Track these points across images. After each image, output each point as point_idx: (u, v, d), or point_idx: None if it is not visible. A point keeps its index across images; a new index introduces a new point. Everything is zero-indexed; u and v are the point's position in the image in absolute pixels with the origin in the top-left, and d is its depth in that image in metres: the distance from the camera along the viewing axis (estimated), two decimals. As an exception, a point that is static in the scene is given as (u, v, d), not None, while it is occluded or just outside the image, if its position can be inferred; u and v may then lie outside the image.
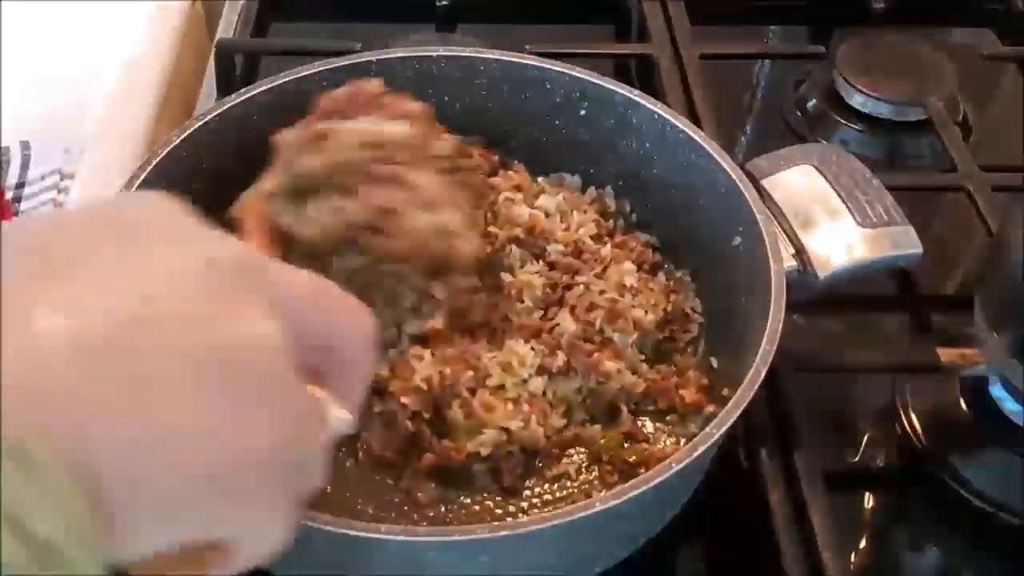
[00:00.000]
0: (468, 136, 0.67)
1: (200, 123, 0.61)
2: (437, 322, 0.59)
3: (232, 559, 0.29)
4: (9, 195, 0.76)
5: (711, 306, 0.64)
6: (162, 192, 0.31)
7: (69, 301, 0.25)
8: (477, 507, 0.55)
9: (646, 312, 0.61)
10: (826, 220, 0.59)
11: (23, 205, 0.76)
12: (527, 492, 0.56)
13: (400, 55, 0.67)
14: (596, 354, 0.58)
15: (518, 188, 0.67)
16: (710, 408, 0.58)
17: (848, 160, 0.62)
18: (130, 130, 0.78)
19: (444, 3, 0.93)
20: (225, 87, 0.82)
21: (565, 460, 0.57)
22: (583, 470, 0.57)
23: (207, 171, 0.60)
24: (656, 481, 0.45)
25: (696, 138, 0.62)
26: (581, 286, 0.62)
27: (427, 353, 0.58)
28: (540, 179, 0.69)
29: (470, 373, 0.57)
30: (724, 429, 0.47)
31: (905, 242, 0.59)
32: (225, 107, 0.62)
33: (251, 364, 0.27)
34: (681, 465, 0.45)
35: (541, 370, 0.58)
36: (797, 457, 0.57)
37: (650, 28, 0.90)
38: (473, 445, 0.55)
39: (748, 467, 0.58)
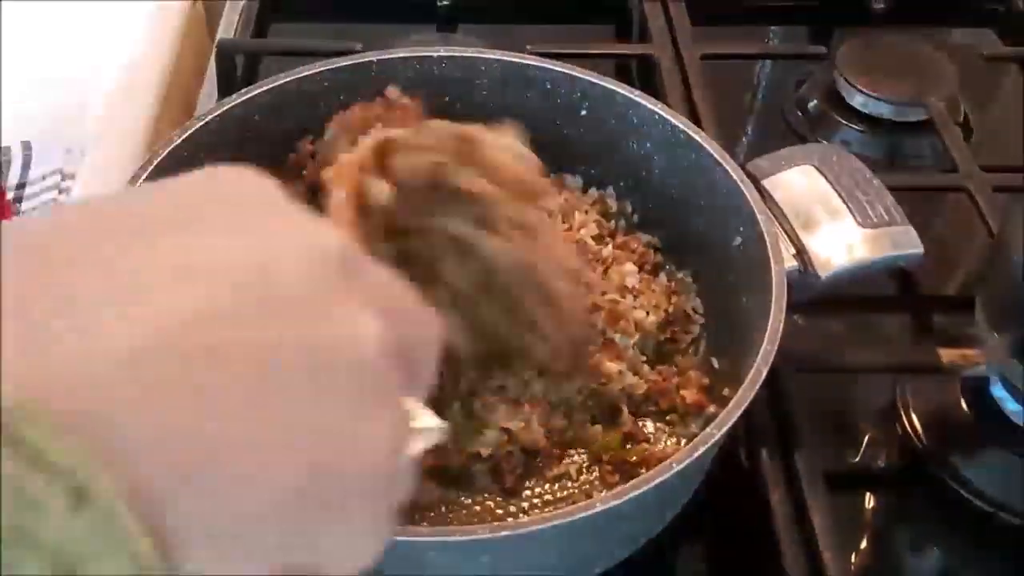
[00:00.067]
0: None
1: (201, 123, 0.60)
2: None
3: None
4: (10, 195, 0.76)
5: (712, 306, 0.64)
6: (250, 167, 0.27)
7: (126, 298, 0.21)
8: (478, 507, 0.55)
9: (648, 313, 0.61)
10: (827, 220, 0.59)
11: (24, 205, 0.76)
12: (527, 492, 0.56)
13: (401, 55, 0.67)
14: (597, 355, 0.58)
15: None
16: (711, 408, 0.58)
17: (849, 160, 0.62)
18: (131, 130, 0.78)
19: (445, 3, 0.93)
20: (226, 87, 0.82)
21: (566, 460, 0.57)
22: (584, 470, 0.57)
23: (208, 171, 0.60)
24: (657, 481, 0.44)
25: (697, 138, 0.62)
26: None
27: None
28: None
29: (471, 374, 0.56)
30: (725, 429, 0.47)
31: (906, 242, 0.59)
32: (226, 107, 0.62)
33: (359, 366, 0.24)
34: (682, 465, 0.45)
35: (542, 371, 0.58)
36: (798, 457, 0.57)
37: (651, 28, 0.90)
38: (474, 445, 0.55)
39: (749, 467, 0.58)
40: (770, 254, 0.55)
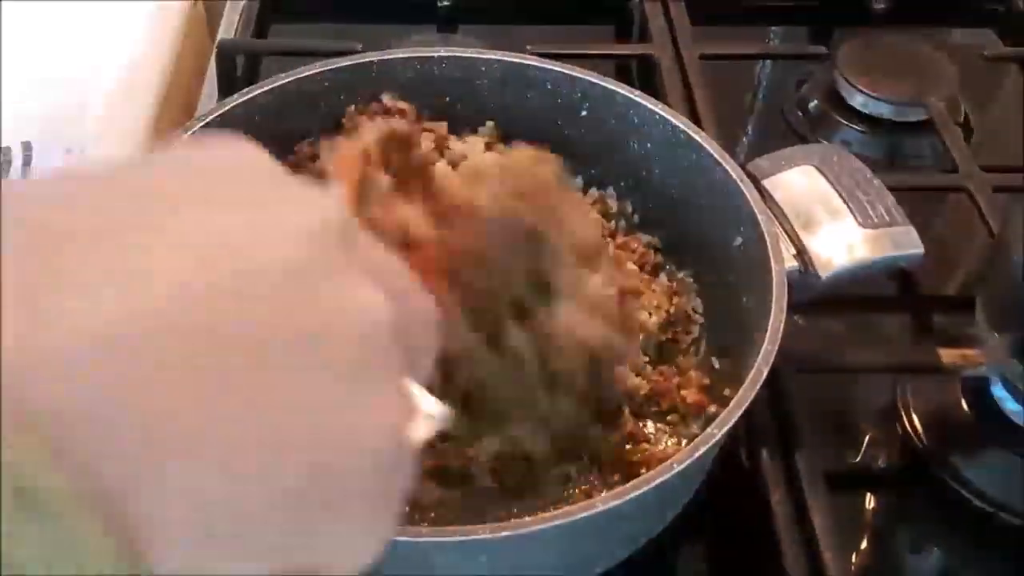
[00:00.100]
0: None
1: (201, 124, 0.60)
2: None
3: None
4: (10, 195, 0.76)
5: (712, 307, 0.64)
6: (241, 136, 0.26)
7: (124, 277, 0.20)
8: (479, 507, 0.55)
9: (650, 314, 0.61)
10: (827, 220, 0.59)
11: (24, 205, 0.76)
12: (528, 493, 0.56)
13: (401, 56, 0.67)
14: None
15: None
16: (712, 408, 0.58)
17: (849, 160, 0.62)
18: (131, 130, 0.78)
19: (445, 4, 0.93)
20: (226, 88, 0.82)
21: (566, 461, 0.57)
22: (584, 471, 0.57)
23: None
24: (658, 481, 0.44)
25: (697, 138, 0.62)
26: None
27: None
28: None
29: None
30: (726, 429, 0.47)
31: (906, 242, 0.59)
32: (226, 108, 0.62)
33: (363, 339, 0.23)
34: (683, 465, 0.45)
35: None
36: (798, 457, 0.57)
37: (651, 29, 0.90)
38: (475, 451, 0.55)
39: (749, 467, 0.58)
40: (770, 254, 0.55)
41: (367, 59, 0.66)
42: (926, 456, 0.61)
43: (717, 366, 0.61)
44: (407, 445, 0.25)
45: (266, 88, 0.63)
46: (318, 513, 0.22)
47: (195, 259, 0.21)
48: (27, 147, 0.79)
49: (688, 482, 0.54)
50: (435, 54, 0.67)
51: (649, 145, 0.65)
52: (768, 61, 0.95)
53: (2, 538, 0.17)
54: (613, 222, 0.68)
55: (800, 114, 0.87)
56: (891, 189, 0.61)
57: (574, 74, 0.66)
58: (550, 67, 0.67)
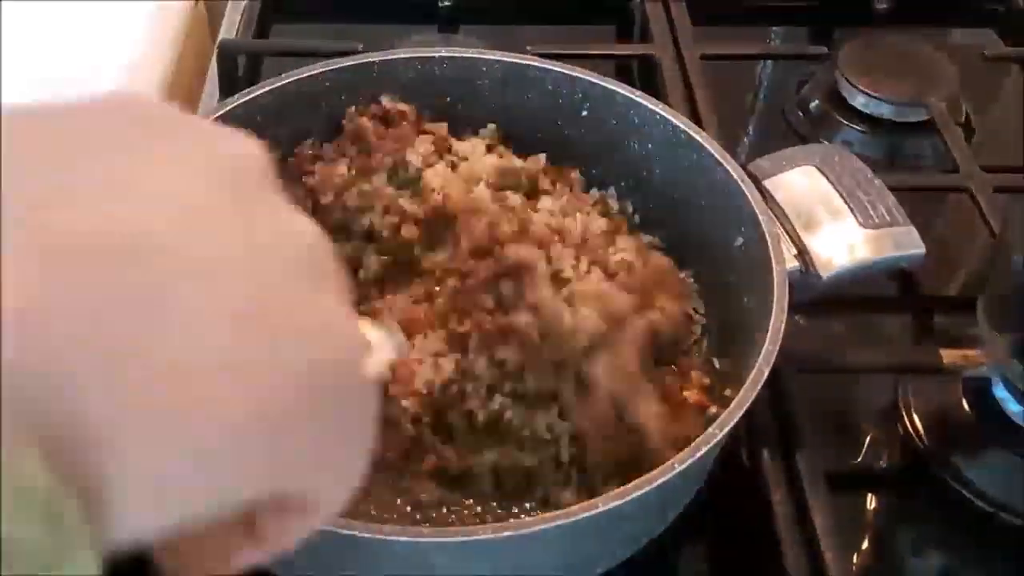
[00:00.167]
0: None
1: (202, 124, 0.60)
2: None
3: (301, 520, 0.25)
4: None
5: (713, 307, 0.63)
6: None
7: (65, 209, 0.20)
8: (480, 507, 0.55)
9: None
10: (828, 221, 0.59)
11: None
12: (529, 493, 0.56)
13: (402, 56, 0.67)
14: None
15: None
16: (713, 409, 0.58)
17: (850, 161, 0.62)
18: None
19: (446, 4, 0.93)
20: (227, 88, 0.82)
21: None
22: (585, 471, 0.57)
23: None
24: (659, 482, 0.44)
25: (698, 139, 0.62)
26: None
27: (428, 357, 0.57)
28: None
29: (470, 385, 0.56)
30: (727, 430, 0.47)
31: (907, 243, 0.59)
32: (227, 108, 0.62)
33: (311, 253, 0.24)
34: (684, 466, 0.45)
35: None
36: (799, 458, 0.57)
37: (652, 29, 0.90)
38: (475, 459, 0.55)
39: (750, 467, 0.58)
40: (771, 254, 0.55)
41: (368, 59, 0.66)
42: (927, 456, 0.61)
43: (718, 366, 0.61)
44: (362, 373, 0.25)
45: (267, 88, 0.63)
46: (295, 424, 0.22)
47: (131, 199, 0.21)
48: (28, 147, 0.79)
49: (689, 482, 0.54)
50: (436, 54, 0.67)
51: (650, 145, 0.65)
52: (769, 61, 0.95)
53: None
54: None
55: (801, 114, 0.87)
56: (892, 189, 0.61)
57: (575, 74, 0.66)
58: (551, 67, 0.67)
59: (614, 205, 0.68)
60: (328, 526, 0.42)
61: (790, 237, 0.59)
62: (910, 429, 0.62)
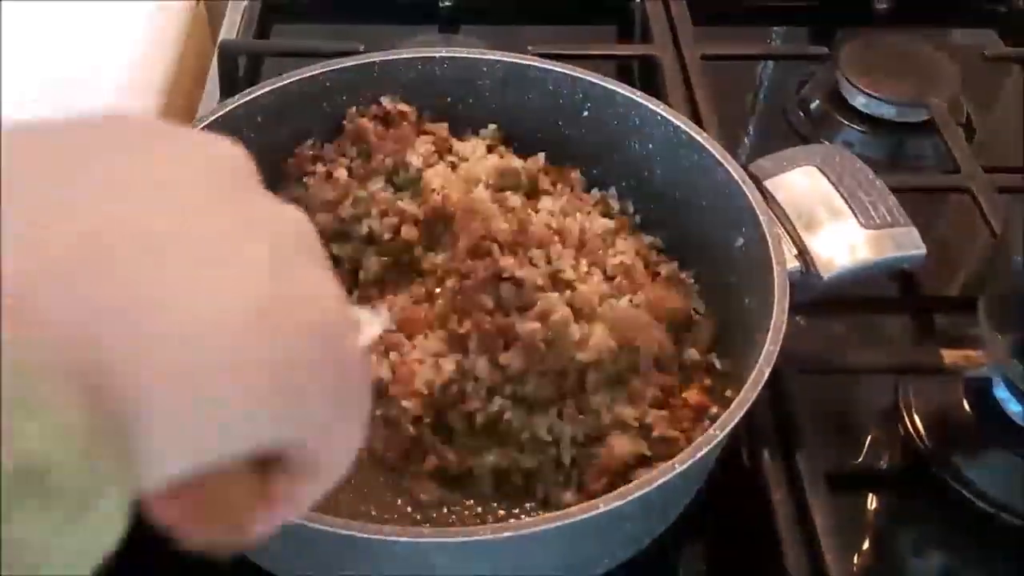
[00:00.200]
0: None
1: (203, 125, 0.60)
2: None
3: (307, 482, 0.27)
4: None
5: (714, 307, 0.63)
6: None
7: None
8: (480, 508, 0.55)
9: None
10: (829, 221, 0.59)
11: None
12: (529, 493, 0.56)
13: (403, 56, 0.67)
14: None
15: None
16: (713, 409, 0.58)
17: (851, 161, 0.62)
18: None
19: (447, 4, 0.93)
20: (228, 88, 0.82)
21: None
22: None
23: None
24: (659, 482, 0.44)
25: (699, 139, 0.62)
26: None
27: (428, 358, 0.57)
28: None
29: (471, 386, 0.56)
30: (727, 430, 0.47)
31: (908, 243, 0.59)
32: (228, 108, 0.62)
33: (299, 234, 0.26)
34: (684, 466, 0.45)
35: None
36: (800, 458, 0.57)
37: (653, 29, 0.90)
38: (475, 459, 0.55)
39: (751, 468, 0.58)
40: (772, 255, 0.55)
41: (369, 60, 0.67)
42: (928, 457, 0.61)
43: (719, 367, 0.61)
44: (352, 343, 0.27)
45: (268, 88, 0.63)
46: (303, 375, 0.24)
47: (131, 196, 0.22)
48: (29, 147, 0.79)
49: (690, 482, 0.54)
50: (436, 54, 0.67)
51: (651, 146, 0.65)
52: (770, 61, 0.95)
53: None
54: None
55: (802, 114, 0.87)
56: (893, 190, 0.61)
57: (575, 74, 0.66)
58: (551, 67, 0.67)
59: (615, 205, 0.68)
60: (329, 527, 0.42)
61: (791, 237, 0.59)
62: (911, 429, 0.62)
